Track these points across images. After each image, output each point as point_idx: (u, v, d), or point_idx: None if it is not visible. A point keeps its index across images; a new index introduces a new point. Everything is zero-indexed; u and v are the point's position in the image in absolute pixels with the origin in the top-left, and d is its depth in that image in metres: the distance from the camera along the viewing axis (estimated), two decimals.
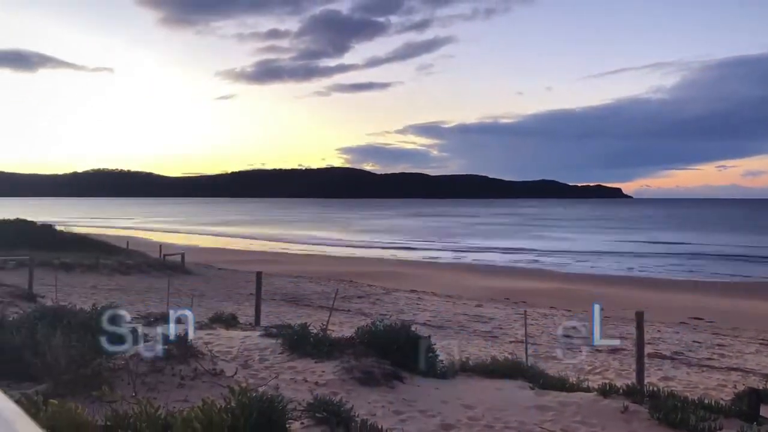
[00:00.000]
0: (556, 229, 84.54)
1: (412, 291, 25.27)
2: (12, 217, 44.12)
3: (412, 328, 8.30)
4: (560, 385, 7.42)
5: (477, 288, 27.09)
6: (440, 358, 8.19)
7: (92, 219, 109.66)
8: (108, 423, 3.64)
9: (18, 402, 3.56)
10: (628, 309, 21.22)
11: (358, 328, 8.48)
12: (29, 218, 45.37)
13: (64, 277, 21.31)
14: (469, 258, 47.01)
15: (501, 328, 17.23)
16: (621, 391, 6.80)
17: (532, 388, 7.26)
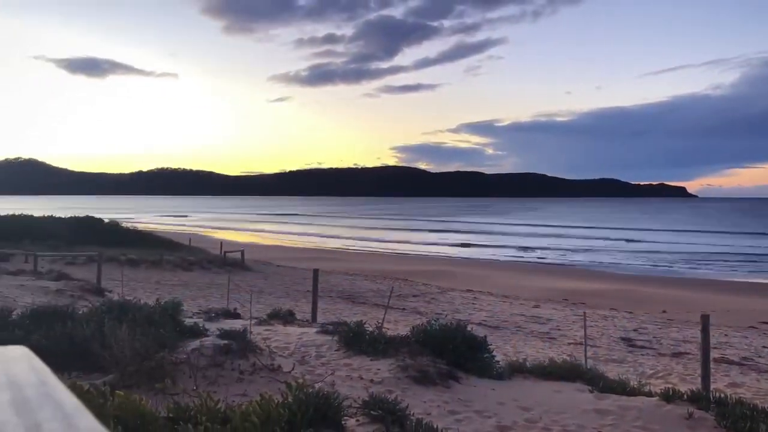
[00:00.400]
0: (617, 228, 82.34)
1: (468, 290, 25.08)
2: (82, 214, 46.00)
3: (468, 328, 8.23)
4: (621, 388, 7.22)
5: (534, 288, 26.65)
6: (496, 358, 8.11)
7: (156, 216, 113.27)
8: (170, 415, 3.74)
9: (87, 392, 3.70)
10: (692, 312, 20.49)
11: (413, 327, 8.47)
12: (97, 216, 47.25)
13: (129, 273, 22.09)
14: (528, 257, 46.34)
15: (559, 330, 16.91)
16: (685, 396, 6.56)
17: (591, 391, 7.09)
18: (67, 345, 6.47)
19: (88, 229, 39.84)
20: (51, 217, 44.39)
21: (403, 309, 19.27)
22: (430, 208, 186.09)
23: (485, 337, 8.40)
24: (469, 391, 6.76)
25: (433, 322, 8.47)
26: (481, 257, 46.00)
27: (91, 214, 46.74)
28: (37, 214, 46.90)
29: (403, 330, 10.64)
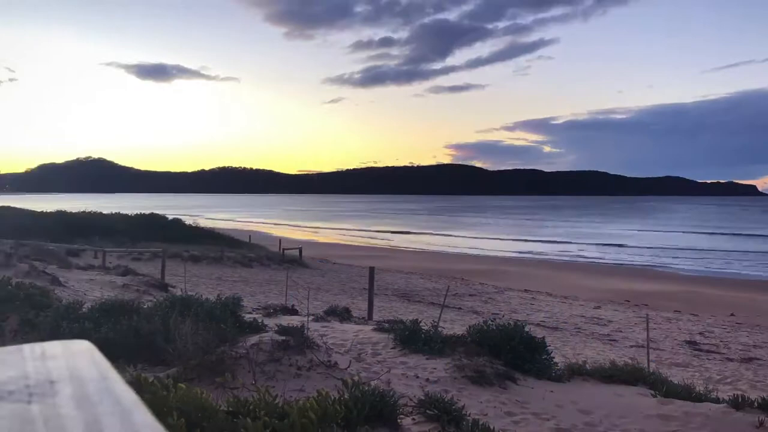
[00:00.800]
0: (682, 228, 79.56)
1: (526, 291, 24.71)
2: (147, 212, 47.61)
3: (526, 329, 8.10)
4: (686, 394, 6.96)
5: (595, 289, 26.04)
6: (555, 360, 7.95)
7: (217, 213, 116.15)
8: (230, 408, 3.82)
9: (151, 384, 3.83)
10: (763, 316, 19.61)
11: (469, 327, 8.40)
12: (161, 213, 48.81)
13: (192, 268, 22.72)
14: (588, 257, 45.27)
15: (620, 332, 16.47)
16: (756, 404, 6.27)
17: (654, 396, 6.87)
18: (133, 338, 6.70)
19: (152, 226, 41.23)
20: (118, 215, 46.17)
21: (460, 308, 19.15)
22: (490, 206, 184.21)
23: (543, 338, 8.25)
24: (527, 392, 6.66)
25: (489, 321, 8.38)
26: (539, 256, 45.24)
27: (155, 212, 48.34)
28: (105, 211, 48.85)
29: (459, 329, 10.58)
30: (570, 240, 60.26)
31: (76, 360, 0.57)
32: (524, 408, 6.10)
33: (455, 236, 66.98)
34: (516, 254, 46.85)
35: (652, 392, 7.04)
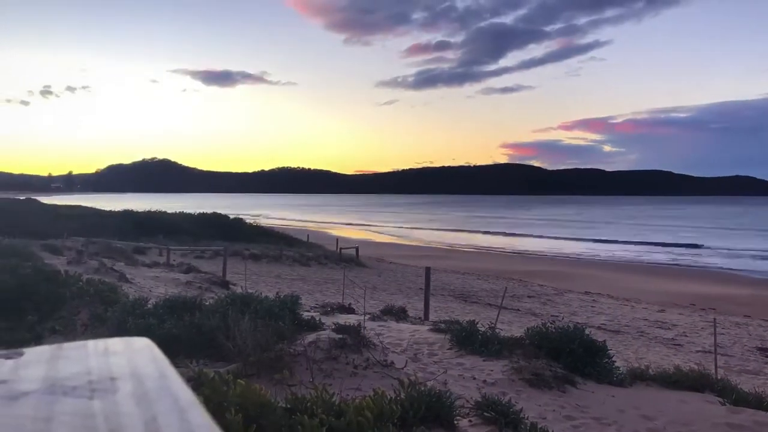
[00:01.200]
0: (757, 228, 76.18)
1: (586, 293, 24.17)
2: (209, 211, 48.90)
3: (586, 332, 7.91)
4: (757, 402, 6.66)
5: (658, 292, 25.23)
6: (616, 364, 7.74)
7: (276, 212, 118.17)
8: (288, 405, 3.87)
9: (212, 379, 3.92)
10: None
11: (527, 329, 8.27)
12: (223, 212, 50.02)
13: (252, 266, 23.18)
14: (651, 259, 43.88)
15: (685, 336, 15.90)
16: None
17: (722, 404, 6.60)
18: (195, 334, 6.88)
19: (214, 225, 42.35)
20: (182, 214, 47.60)
21: (518, 310, 18.88)
22: (546, 207, 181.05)
23: (604, 341, 8.04)
24: (587, 396, 6.50)
25: (548, 324, 8.23)
26: (601, 258, 44.14)
27: (217, 211, 49.58)
28: (169, 210, 50.41)
29: (517, 331, 10.43)
30: (635, 240, 58.58)
31: (136, 357, 0.59)
32: (584, 412, 5.96)
33: (514, 236, 66.13)
34: (577, 255, 45.86)
35: (720, 400, 6.76)
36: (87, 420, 0.46)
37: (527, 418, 5.12)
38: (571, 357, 7.18)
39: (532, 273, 30.43)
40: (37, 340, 6.77)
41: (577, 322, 13.11)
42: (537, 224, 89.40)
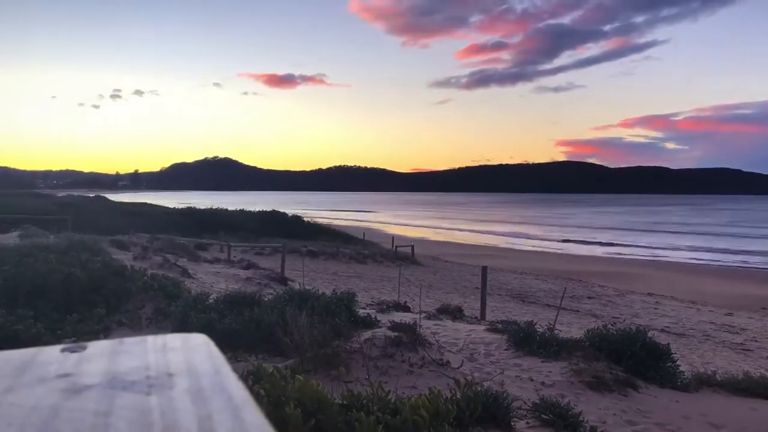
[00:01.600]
0: None
1: (649, 294, 23.44)
2: (268, 209, 49.81)
3: (649, 334, 7.67)
4: None
5: (726, 294, 24.24)
6: (681, 368, 7.48)
7: (333, 211, 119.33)
8: (344, 401, 3.90)
9: (271, 374, 3.98)
10: None
11: (587, 330, 8.09)
12: (281, 210, 50.87)
13: (309, 263, 23.50)
14: (721, 261, 42.20)
15: (756, 341, 15.22)
16: None
17: None
18: (254, 329, 7.02)
19: (273, 223, 43.14)
20: (242, 211, 48.68)
21: (577, 311, 18.48)
22: (607, 205, 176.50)
23: (668, 344, 7.79)
24: (649, 401, 6.30)
25: (609, 325, 8.02)
26: (664, 258, 42.74)
27: (276, 209, 50.47)
28: (230, 208, 51.61)
29: (576, 333, 10.22)
30: (702, 241, 56.50)
31: (193, 353, 0.59)
32: (646, 417, 5.78)
33: (572, 236, 64.75)
34: (641, 255, 44.53)
35: None
36: (144, 415, 0.47)
37: (587, 422, 5.00)
38: (632, 360, 6.98)
39: (592, 273, 29.73)
40: (105, 332, 7.05)
41: (640, 325, 12.73)
42: (596, 223, 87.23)
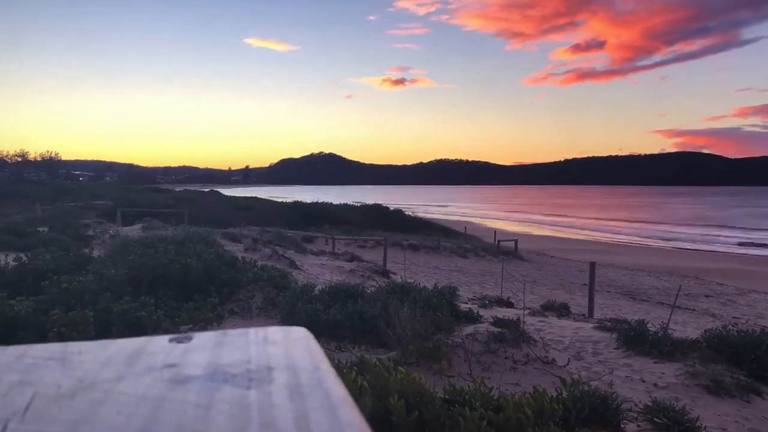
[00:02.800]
0: None
1: None
2: (371, 203, 50.56)
3: None
4: None
5: None
6: None
7: (434, 204, 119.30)
8: (446, 396, 3.89)
9: (374, 366, 4.04)
10: None
11: (705, 331, 7.61)
12: (383, 204, 51.47)
13: (410, 257, 23.61)
14: None
15: None
16: None
17: None
18: (358, 320, 7.14)
19: (376, 216, 43.76)
20: (346, 205, 49.78)
21: (693, 310, 17.45)
22: (729, 198, 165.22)
23: None
24: None
25: (729, 326, 7.51)
26: None
27: (378, 203, 51.14)
28: (335, 202, 52.87)
29: (692, 333, 9.65)
30: None
31: (293, 347, 0.60)
32: None
33: (687, 230, 61.15)
34: (765, 252, 41.42)
35: None
36: (243, 410, 0.47)
37: (704, 428, 4.71)
38: (756, 364, 6.50)
39: (710, 270, 27.97)
40: (218, 321, 7.42)
41: (764, 326, 11.83)
42: (714, 217, 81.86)
